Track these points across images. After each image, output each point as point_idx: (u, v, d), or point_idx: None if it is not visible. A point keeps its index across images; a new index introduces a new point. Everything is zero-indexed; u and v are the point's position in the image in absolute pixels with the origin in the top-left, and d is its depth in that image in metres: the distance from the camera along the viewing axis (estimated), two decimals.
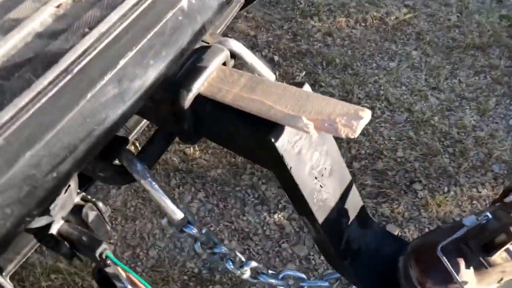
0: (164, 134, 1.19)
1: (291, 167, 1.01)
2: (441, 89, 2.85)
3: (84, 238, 0.90)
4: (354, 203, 1.22)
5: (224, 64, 1.11)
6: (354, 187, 1.23)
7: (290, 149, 1.01)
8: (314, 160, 1.09)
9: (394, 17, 3.18)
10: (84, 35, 0.82)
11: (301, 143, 1.04)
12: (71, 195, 0.89)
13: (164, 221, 1.28)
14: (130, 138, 1.23)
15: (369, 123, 2.78)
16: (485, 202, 2.40)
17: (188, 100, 1.01)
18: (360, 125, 0.93)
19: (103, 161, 1.12)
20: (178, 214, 1.14)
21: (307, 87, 1.05)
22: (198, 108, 1.05)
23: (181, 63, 1.06)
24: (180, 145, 2.63)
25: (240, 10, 1.58)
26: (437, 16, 3.19)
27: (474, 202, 2.40)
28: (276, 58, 2.98)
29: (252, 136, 1.00)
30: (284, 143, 0.99)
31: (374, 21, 3.18)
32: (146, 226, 2.33)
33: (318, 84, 2.83)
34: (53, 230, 0.90)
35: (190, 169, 2.55)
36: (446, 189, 2.43)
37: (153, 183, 1.09)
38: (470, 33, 3.09)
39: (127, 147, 1.20)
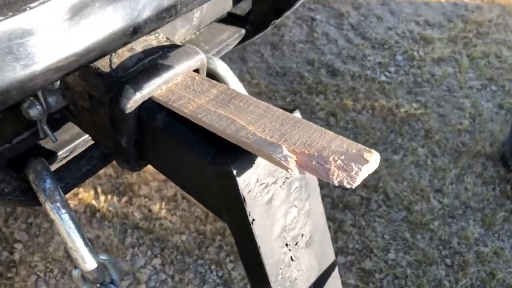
0: (99, 150, 0.89)
1: (253, 220, 0.71)
2: (445, 193, 2.58)
3: None
4: None
5: (196, 71, 0.84)
6: (336, 272, 0.91)
7: (257, 193, 0.71)
8: (290, 219, 0.78)
9: (404, 110, 2.99)
10: None
11: (276, 189, 0.74)
12: None
13: (75, 273, 0.95)
14: (59, 154, 0.93)
15: (362, 215, 2.50)
16: None
17: (133, 101, 0.73)
18: (363, 172, 0.64)
19: (4, 170, 0.82)
20: (89, 264, 0.81)
21: (297, 114, 0.77)
22: (145, 117, 0.76)
23: (137, 54, 0.80)
24: (146, 199, 2.31)
25: (239, 44, 1.35)
26: (449, 117, 3.00)
27: None
28: None
29: (207, 164, 0.71)
30: (249, 181, 0.69)
31: (382, 111, 2.99)
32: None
33: None
34: None
35: (151, 229, 2.21)
36: None
37: (62, 210, 0.77)
38: (481, 140, 2.87)
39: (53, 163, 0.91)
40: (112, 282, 1.02)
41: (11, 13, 0.52)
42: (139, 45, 0.83)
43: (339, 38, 3.45)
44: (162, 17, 0.70)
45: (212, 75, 1.03)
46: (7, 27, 0.52)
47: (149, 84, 0.74)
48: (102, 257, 0.98)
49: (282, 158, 0.65)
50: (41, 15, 0.55)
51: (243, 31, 1.30)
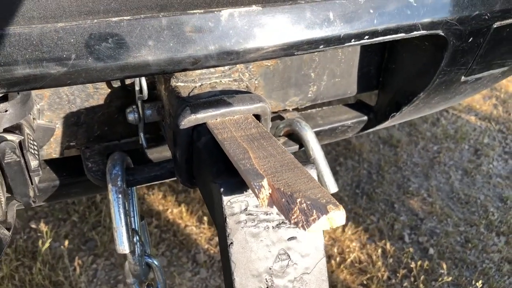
0: (171, 163, 1.05)
1: (231, 243, 0.75)
2: None
3: None
4: None
5: (258, 117, 0.95)
6: None
7: (242, 220, 0.76)
8: (278, 265, 0.79)
9: None
10: None
11: (266, 227, 0.77)
12: (1, 116, 0.82)
13: (126, 266, 1.09)
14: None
15: None
16: None
17: (187, 120, 0.88)
18: (320, 222, 0.64)
19: (100, 156, 1.05)
20: (122, 247, 0.95)
21: (311, 169, 0.80)
22: (195, 137, 0.90)
23: (215, 90, 0.96)
24: None
25: (362, 131, 1.39)
26: None
27: None
28: (431, 250, 2.53)
29: (211, 181, 0.79)
30: (234, 204, 0.75)
31: None
32: None
33: None
34: None
35: None
36: None
37: (118, 195, 0.95)
38: None
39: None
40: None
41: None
42: (221, 85, 0.98)
43: None
44: (223, 57, 0.85)
45: (296, 135, 1.11)
46: None
47: (205, 111, 0.88)
48: (151, 260, 1.11)
49: (257, 187, 0.70)
50: None
51: (365, 118, 1.35)
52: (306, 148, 1.10)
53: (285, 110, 1.28)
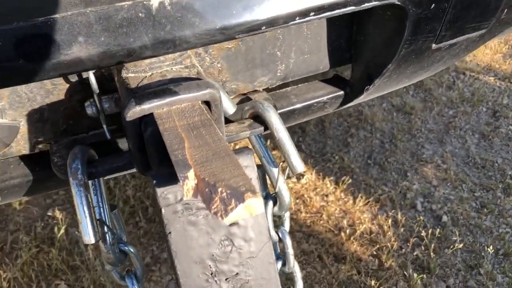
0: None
1: (170, 232, 0.77)
2: None
3: None
4: None
5: (208, 104, 0.95)
6: None
7: (179, 210, 0.77)
8: (221, 251, 0.80)
9: None
10: None
11: (205, 215, 0.78)
12: None
13: (103, 253, 1.13)
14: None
15: None
16: None
17: (132, 112, 0.89)
18: (237, 211, 0.64)
19: (67, 149, 1.08)
20: (88, 237, 0.98)
21: (247, 154, 0.80)
22: (143, 128, 0.91)
23: (164, 79, 0.96)
24: None
25: (341, 106, 1.37)
26: None
27: None
28: (445, 218, 2.49)
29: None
30: (169, 196, 0.76)
31: None
32: None
33: None
34: None
35: None
36: None
37: (79, 188, 0.97)
38: None
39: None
40: (135, 274, 1.17)
41: None
42: (171, 73, 0.98)
43: None
44: (158, 47, 0.85)
45: (260, 117, 1.11)
46: None
47: (150, 102, 0.89)
48: (126, 247, 1.14)
49: (182, 178, 0.70)
50: None
51: (342, 92, 1.32)
52: (270, 129, 1.09)
53: (255, 91, 1.27)
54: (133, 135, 0.93)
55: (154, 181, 0.76)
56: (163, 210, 0.76)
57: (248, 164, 0.82)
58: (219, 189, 0.68)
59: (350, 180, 2.66)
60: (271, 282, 0.83)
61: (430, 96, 3.29)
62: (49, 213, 2.52)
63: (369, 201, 2.57)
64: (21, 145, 1.11)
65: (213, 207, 0.67)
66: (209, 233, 0.80)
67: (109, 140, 1.16)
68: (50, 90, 1.06)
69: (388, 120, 3.13)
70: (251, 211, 0.66)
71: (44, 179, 1.15)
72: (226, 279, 0.81)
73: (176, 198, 0.77)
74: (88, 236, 0.98)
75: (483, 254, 2.30)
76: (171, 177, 0.77)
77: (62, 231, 2.36)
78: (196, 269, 0.79)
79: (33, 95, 1.05)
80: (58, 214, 2.45)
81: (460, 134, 2.99)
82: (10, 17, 0.76)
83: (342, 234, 2.39)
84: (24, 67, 0.77)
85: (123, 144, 1.19)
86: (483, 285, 2.18)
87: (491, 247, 2.28)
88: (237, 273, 0.81)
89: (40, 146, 1.14)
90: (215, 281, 0.80)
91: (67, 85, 1.07)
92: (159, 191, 0.76)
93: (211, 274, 0.80)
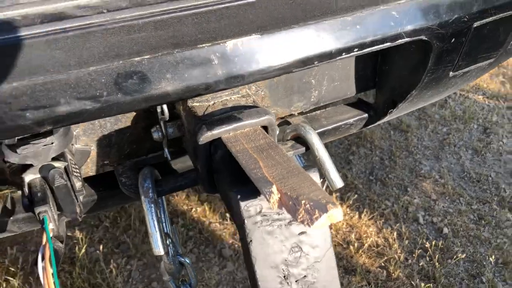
0: (194, 174, 1.20)
1: (251, 241, 0.89)
2: None
3: (38, 194, 0.95)
4: None
5: (265, 128, 1.08)
6: None
7: (258, 221, 0.90)
8: (292, 257, 0.93)
9: None
10: None
11: (279, 226, 0.91)
12: (49, 148, 0.97)
13: (162, 265, 1.24)
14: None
15: None
16: None
17: (204, 137, 1.02)
18: (322, 219, 0.77)
19: (132, 171, 1.20)
20: (157, 249, 1.09)
21: (313, 172, 0.93)
22: (213, 150, 1.04)
23: (226, 108, 1.10)
24: None
25: (364, 127, 1.52)
26: None
27: None
28: (446, 230, 2.64)
29: (230, 191, 0.93)
30: (250, 208, 0.89)
31: None
32: None
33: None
34: (26, 176, 0.98)
35: None
36: None
37: (151, 205, 1.10)
38: None
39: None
40: (190, 284, 1.29)
41: None
42: (231, 102, 1.12)
43: None
44: (230, 81, 0.98)
45: (302, 138, 1.24)
46: None
47: (219, 127, 1.02)
48: (183, 258, 1.26)
49: (267, 193, 0.83)
50: None
51: (366, 115, 1.47)
52: (311, 149, 1.23)
53: (291, 115, 1.41)
54: (203, 157, 1.05)
55: (238, 196, 0.89)
56: (246, 221, 0.89)
57: (316, 180, 0.95)
58: (302, 202, 0.81)
59: (355, 196, 2.81)
60: (333, 283, 0.96)
61: (424, 114, 3.48)
62: (69, 233, 2.60)
63: (373, 216, 2.71)
64: (89, 168, 1.23)
65: (299, 217, 0.80)
66: (282, 241, 0.92)
67: (166, 162, 1.28)
68: (119, 118, 1.18)
69: (386, 138, 3.29)
70: (332, 219, 0.79)
71: (107, 198, 1.27)
72: (296, 281, 0.93)
73: (256, 210, 0.90)
74: (158, 248, 1.10)
75: (484, 263, 2.45)
76: (253, 193, 0.89)
77: (83, 250, 2.44)
78: (271, 273, 0.92)
79: (105, 123, 1.17)
80: (78, 234, 2.53)
81: (454, 150, 3.17)
82: (111, 57, 0.88)
83: (351, 247, 2.52)
84: (122, 99, 0.90)
85: (176, 164, 1.32)
86: None
87: (492, 257, 2.44)
88: (305, 276, 0.94)
89: (104, 168, 1.26)
90: (287, 283, 0.93)
91: (134, 113, 1.20)
92: (243, 204, 0.88)
93: (284, 277, 0.93)
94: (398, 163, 3.09)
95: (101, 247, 2.45)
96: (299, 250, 0.93)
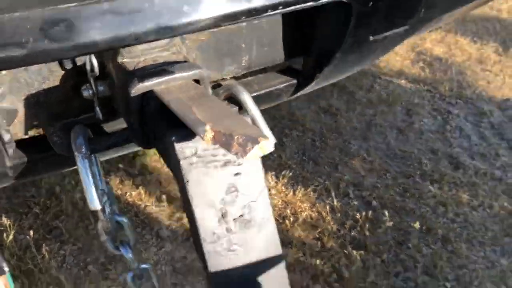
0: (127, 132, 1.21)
1: (187, 181, 0.92)
2: None
3: None
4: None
5: (198, 82, 1.11)
6: (283, 265, 1.04)
7: (194, 162, 0.93)
8: (230, 196, 0.97)
9: None
10: None
11: (215, 167, 0.95)
12: None
13: (99, 225, 1.24)
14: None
15: None
16: None
17: (136, 89, 1.03)
18: (254, 150, 0.82)
19: (64, 132, 1.19)
20: (93, 204, 1.10)
21: (246, 116, 0.98)
22: (145, 103, 1.06)
23: (158, 63, 1.12)
24: None
25: (294, 93, 1.59)
26: None
27: None
28: (374, 202, 2.79)
29: (166, 137, 0.96)
30: (185, 150, 0.92)
31: (503, 212, 2.79)
32: None
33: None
34: None
35: None
36: None
37: (84, 160, 1.10)
38: None
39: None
40: (128, 244, 1.29)
41: None
42: (162, 58, 1.14)
43: (473, 134, 3.35)
44: (159, 33, 1.00)
45: (235, 98, 1.29)
46: None
47: (151, 79, 1.04)
48: (120, 217, 1.26)
49: (202, 131, 0.87)
50: None
51: (295, 81, 1.54)
52: (244, 108, 1.27)
53: (223, 79, 1.45)
54: (136, 110, 1.07)
55: (173, 138, 0.91)
56: (181, 162, 0.92)
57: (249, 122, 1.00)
58: (236, 136, 0.85)
59: (290, 174, 2.89)
60: (269, 220, 1.01)
61: (352, 98, 3.64)
62: None
63: (307, 192, 2.81)
64: (17, 129, 1.20)
65: (232, 150, 0.84)
66: (218, 181, 0.96)
67: (98, 123, 1.28)
68: (47, 76, 1.17)
69: (317, 121, 3.42)
70: (264, 151, 0.84)
71: (37, 161, 1.24)
72: (233, 220, 0.98)
73: (191, 152, 0.93)
74: (94, 202, 1.10)
75: (409, 230, 2.61)
76: (187, 135, 0.92)
77: (10, 237, 2.35)
78: (209, 211, 0.95)
79: (32, 81, 1.15)
80: (5, 221, 2.43)
81: (380, 130, 3.35)
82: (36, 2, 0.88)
83: (286, 221, 2.61)
84: (49, 47, 0.90)
85: (108, 127, 1.32)
86: (412, 257, 2.48)
87: (417, 224, 2.61)
88: (241, 215, 0.98)
89: (33, 129, 1.23)
90: (225, 221, 0.97)
91: (62, 72, 1.19)
92: (177, 146, 0.91)
93: (222, 215, 0.96)
94: (329, 144, 3.21)
95: (31, 233, 2.37)
96: (235, 190, 0.97)
